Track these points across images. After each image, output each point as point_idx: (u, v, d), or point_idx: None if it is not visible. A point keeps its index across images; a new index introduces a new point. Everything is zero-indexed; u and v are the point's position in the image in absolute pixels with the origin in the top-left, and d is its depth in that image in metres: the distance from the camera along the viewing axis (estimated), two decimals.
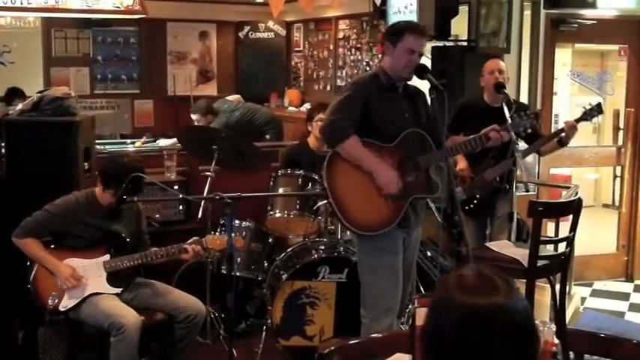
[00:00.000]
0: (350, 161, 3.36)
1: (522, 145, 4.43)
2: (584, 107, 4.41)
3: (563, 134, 4.39)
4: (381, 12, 5.93)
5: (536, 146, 4.54)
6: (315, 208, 4.26)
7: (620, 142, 6.35)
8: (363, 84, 3.48)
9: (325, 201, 3.59)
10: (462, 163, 4.51)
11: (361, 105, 3.37)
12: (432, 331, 1.36)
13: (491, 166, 4.41)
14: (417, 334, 1.44)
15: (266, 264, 4.53)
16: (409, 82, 3.55)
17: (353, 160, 3.35)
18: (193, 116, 6.79)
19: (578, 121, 4.36)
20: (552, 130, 5.41)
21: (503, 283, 1.35)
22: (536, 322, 1.89)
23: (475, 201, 4.54)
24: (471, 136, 3.56)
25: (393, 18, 5.59)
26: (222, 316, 4.39)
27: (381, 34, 3.65)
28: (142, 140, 7.41)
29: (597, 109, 4.35)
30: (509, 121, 3.78)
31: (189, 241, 3.74)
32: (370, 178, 3.36)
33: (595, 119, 4.67)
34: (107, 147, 6.65)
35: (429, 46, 5.41)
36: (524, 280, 3.57)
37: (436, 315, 1.36)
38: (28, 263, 3.68)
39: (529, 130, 3.84)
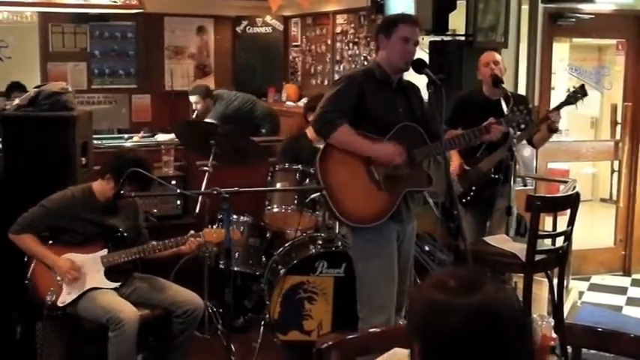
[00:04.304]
0: (343, 153, 3.34)
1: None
2: (569, 90, 4.36)
3: (549, 121, 4.35)
4: (378, 6, 5.91)
5: (528, 132, 4.50)
6: (307, 200, 4.25)
7: (617, 137, 6.35)
8: (357, 76, 3.47)
9: (318, 193, 3.58)
10: (454, 159, 4.48)
11: (355, 96, 3.35)
12: (432, 334, 1.33)
13: (485, 156, 4.41)
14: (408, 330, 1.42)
15: (264, 259, 4.53)
16: (405, 77, 3.54)
17: (347, 149, 3.34)
18: (192, 97, 6.66)
19: (561, 105, 4.28)
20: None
21: (486, 278, 1.35)
22: (534, 316, 1.90)
23: (472, 192, 4.53)
24: (469, 130, 3.55)
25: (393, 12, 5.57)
26: (220, 310, 4.39)
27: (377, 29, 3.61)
28: (140, 135, 7.41)
29: (581, 92, 4.26)
30: (507, 114, 3.77)
31: (186, 235, 3.74)
32: (363, 169, 3.35)
33: (588, 109, 4.63)
34: (105, 142, 6.63)
35: (426, 40, 5.41)
36: (522, 275, 3.57)
37: (434, 319, 1.33)
38: (26, 259, 3.67)
39: (522, 126, 3.82)
